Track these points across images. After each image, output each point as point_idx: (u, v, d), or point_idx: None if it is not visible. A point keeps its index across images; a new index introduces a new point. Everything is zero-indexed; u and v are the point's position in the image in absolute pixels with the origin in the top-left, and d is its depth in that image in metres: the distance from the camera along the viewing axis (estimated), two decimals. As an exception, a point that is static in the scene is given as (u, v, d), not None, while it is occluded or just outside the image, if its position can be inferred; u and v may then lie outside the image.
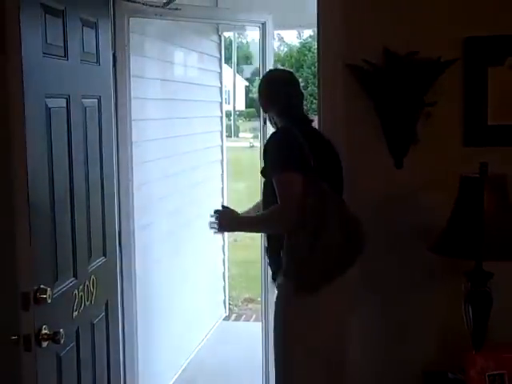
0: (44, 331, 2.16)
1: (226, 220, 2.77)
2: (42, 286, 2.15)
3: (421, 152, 2.79)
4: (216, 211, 2.80)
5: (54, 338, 2.18)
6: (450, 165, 2.74)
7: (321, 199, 2.48)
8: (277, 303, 2.66)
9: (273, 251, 2.70)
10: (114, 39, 3.10)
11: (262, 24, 3.97)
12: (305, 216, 2.45)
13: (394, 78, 2.73)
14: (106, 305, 2.93)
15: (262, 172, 2.67)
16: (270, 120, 2.91)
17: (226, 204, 4.71)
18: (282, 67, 4.97)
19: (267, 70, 3.88)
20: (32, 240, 2.14)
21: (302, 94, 2.88)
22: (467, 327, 2.59)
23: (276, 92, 2.84)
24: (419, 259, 2.78)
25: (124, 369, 3.27)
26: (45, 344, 2.16)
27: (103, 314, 2.89)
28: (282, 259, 2.57)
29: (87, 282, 2.66)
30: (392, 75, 2.73)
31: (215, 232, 2.83)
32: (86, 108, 2.66)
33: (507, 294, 2.68)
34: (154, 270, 3.93)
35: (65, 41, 2.46)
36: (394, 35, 2.75)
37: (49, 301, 2.15)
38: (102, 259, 2.87)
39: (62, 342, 2.23)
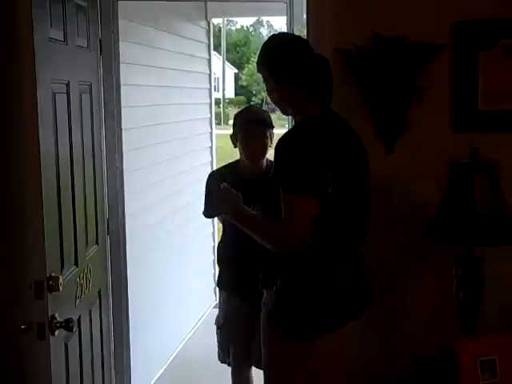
0: (56, 319, 2.13)
1: (224, 203, 2.43)
2: (53, 274, 2.13)
3: (411, 137, 2.78)
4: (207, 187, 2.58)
5: (66, 325, 2.15)
6: (441, 150, 2.74)
7: (329, 238, 2.16)
8: (264, 335, 2.37)
9: (266, 276, 2.41)
10: (101, 24, 3.05)
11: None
12: (308, 250, 2.15)
13: (383, 62, 2.71)
14: (99, 292, 2.92)
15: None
16: (282, 110, 2.42)
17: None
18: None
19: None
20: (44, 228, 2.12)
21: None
22: (458, 313, 2.59)
23: (299, 70, 2.27)
24: (410, 245, 2.78)
25: (114, 356, 3.25)
26: (57, 332, 2.14)
27: (97, 301, 2.88)
28: (272, 296, 2.28)
29: (85, 270, 2.65)
30: (382, 60, 2.71)
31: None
32: (81, 94, 2.64)
33: (498, 279, 2.68)
34: (142, 258, 3.90)
35: (64, 25, 2.45)
36: (383, 19, 2.73)
37: (60, 289, 2.13)
38: (95, 247, 2.86)
39: (74, 329, 2.22)
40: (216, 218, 3.51)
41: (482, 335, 2.56)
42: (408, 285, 2.85)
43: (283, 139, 2.21)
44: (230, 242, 3.14)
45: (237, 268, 3.09)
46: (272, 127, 3.09)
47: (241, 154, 3.14)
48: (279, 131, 2.78)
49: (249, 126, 3.05)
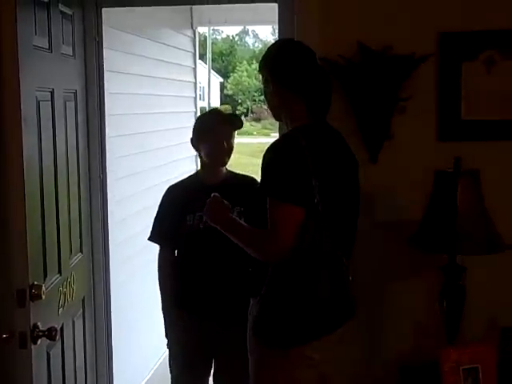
0: (39, 328, 2.11)
1: (214, 212, 2.43)
2: (35, 283, 2.11)
3: (395, 147, 2.80)
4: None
5: (49, 334, 2.13)
6: (425, 159, 2.76)
7: (314, 248, 2.14)
8: (249, 344, 2.33)
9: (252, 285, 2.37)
10: (84, 31, 3.04)
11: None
12: (293, 259, 2.13)
13: (368, 72, 2.73)
14: (83, 301, 2.90)
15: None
16: (276, 116, 2.42)
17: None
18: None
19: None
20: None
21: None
22: (441, 321, 2.60)
23: (302, 77, 2.28)
24: (395, 253, 2.79)
25: (96, 365, 3.23)
26: (39, 341, 2.12)
27: (80, 310, 2.86)
28: (254, 307, 2.28)
29: (69, 279, 2.64)
30: (366, 70, 2.73)
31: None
32: (65, 102, 2.64)
33: (481, 288, 2.70)
34: (126, 267, 3.89)
35: (49, 33, 2.45)
36: (368, 30, 2.76)
37: (43, 297, 2.12)
38: (79, 255, 2.84)
39: (57, 338, 2.19)
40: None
41: (464, 343, 2.57)
42: (393, 293, 2.86)
43: (271, 147, 2.21)
44: (187, 259, 2.94)
45: (196, 284, 2.91)
46: (240, 127, 2.98)
47: (204, 159, 2.96)
48: (262, 140, 2.75)
49: (221, 128, 2.90)
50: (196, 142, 2.98)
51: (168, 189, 3.03)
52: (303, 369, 2.22)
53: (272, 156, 2.19)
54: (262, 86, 2.41)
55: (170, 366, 3.07)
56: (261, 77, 2.40)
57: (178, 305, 2.98)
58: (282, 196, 2.12)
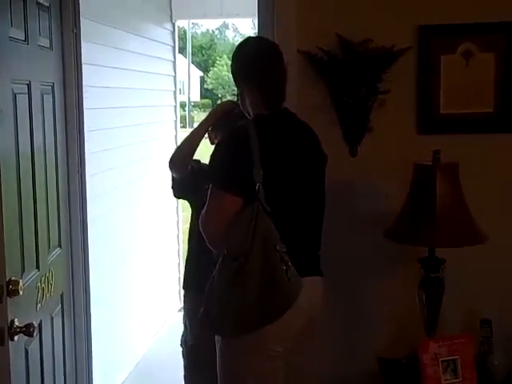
0: (16, 324, 2.08)
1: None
2: (13, 278, 2.08)
3: (375, 140, 2.81)
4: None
5: (27, 330, 2.11)
6: (404, 152, 2.76)
7: (246, 235, 2.10)
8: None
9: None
10: (62, 23, 3.00)
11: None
12: (227, 246, 2.14)
13: (347, 65, 2.73)
14: (62, 297, 2.87)
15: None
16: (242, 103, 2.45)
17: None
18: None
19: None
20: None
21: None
22: (420, 313, 2.61)
23: (252, 70, 2.39)
24: (374, 246, 2.79)
25: (75, 361, 3.20)
26: (17, 338, 2.09)
27: (59, 306, 2.83)
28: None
29: (47, 274, 2.61)
30: (346, 62, 2.73)
31: None
32: (43, 95, 2.60)
33: (460, 280, 2.72)
34: (106, 262, 3.86)
35: (25, 25, 2.41)
36: (348, 22, 2.76)
37: (21, 293, 2.09)
38: (57, 250, 2.82)
39: (34, 334, 2.17)
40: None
41: (443, 335, 2.58)
42: (372, 285, 2.87)
43: (223, 135, 2.34)
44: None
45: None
46: None
47: None
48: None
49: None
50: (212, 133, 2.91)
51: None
52: (261, 357, 2.19)
53: (217, 144, 2.33)
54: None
55: (184, 365, 3.10)
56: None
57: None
58: (218, 182, 2.19)
